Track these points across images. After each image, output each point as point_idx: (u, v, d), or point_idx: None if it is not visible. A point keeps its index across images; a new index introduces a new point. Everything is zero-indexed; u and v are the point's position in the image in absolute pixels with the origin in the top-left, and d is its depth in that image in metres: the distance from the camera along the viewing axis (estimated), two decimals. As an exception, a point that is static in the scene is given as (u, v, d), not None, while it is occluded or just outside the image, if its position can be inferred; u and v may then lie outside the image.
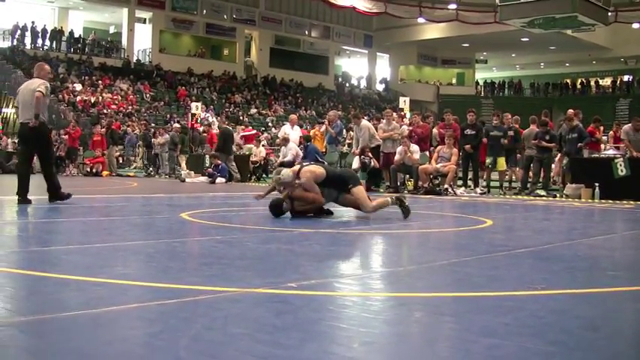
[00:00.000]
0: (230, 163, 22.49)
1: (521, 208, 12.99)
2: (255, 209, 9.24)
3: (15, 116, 37.49)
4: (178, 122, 33.07)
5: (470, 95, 61.13)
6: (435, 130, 18.88)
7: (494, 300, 4.06)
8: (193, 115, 30.53)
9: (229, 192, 16.60)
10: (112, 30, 53.08)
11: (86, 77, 41.40)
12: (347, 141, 21.77)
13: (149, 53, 50.09)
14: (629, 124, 17.14)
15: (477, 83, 66.16)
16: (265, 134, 36.46)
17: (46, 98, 10.83)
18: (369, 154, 17.50)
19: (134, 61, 48.48)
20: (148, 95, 43.23)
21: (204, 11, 52.17)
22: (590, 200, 14.96)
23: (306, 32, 58.57)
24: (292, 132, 21.07)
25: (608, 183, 15.15)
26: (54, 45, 45.41)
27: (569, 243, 7.41)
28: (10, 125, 37.38)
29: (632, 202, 14.34)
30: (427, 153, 18.05)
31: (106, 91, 40.64)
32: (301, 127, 25.92)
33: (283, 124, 28.12)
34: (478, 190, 17.28)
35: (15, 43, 43.86)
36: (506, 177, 18.28)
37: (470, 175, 18.01)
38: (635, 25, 43.09)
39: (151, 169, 27.79)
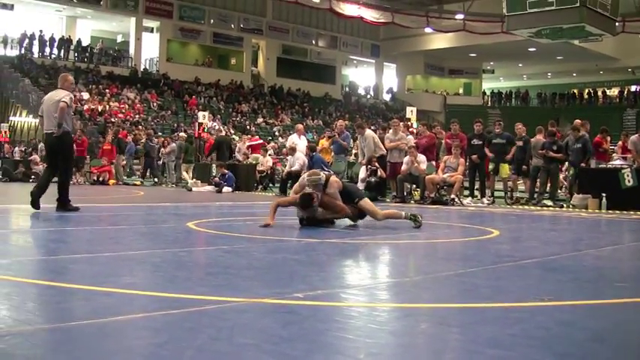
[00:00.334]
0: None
1: (528, 219, 12.97)
2: (263, 219, 9.22)
3: (33, 125, 37.77)
4: (185, 131, 33.09)
5: (477, 105, 61.08)
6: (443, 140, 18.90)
7: (501, 311, 4.06)
8: (200, 124, 30.56)
9: (236, 201, 16.61)
10: (119, 39, 53.26)
11: (93, 86, 41.51)
12: (354, 150, 21.74)
13: (156, 62, 50.25)
14: (637, 135, 17.13)
15: (484, 93, 66.14)
16: (272, 143, 36.49)
17: (69, 109, 11.06)
18: (376, 164, 17.50)
19: (141, 70, 48.61)
20: (155, 104, 43.31)
21: (212, 20, 52.31)
22: (597, 211, 14.93)
23: (314, 42, 58.67)
24: (300, 141, 21.05)
25: (615, 193, 15.12)
26: (62, 54, 45.57)
27: (576, 254, 7.39)
28: (18, 133, 37.49)
29: (639, 212, 14.31)
30: (433, 163, 18.03)
31: (113, 99, 40.75)
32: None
33: (290, 134, 28.14)
34: (485, 200, 17.26)
35: (23, 51, 44.01)
36: (510, 184, 18.23)
37: (477, 185, 17.99)
38: (643, 36, 43.04)
39: (155, 179, 27.86)
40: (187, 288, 4.52)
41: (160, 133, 36.58)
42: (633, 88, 60.21)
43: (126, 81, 44.78)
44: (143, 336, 3.30)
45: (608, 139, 19.20)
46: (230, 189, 21.41)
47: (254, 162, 24.41)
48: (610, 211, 14.69)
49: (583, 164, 16.56)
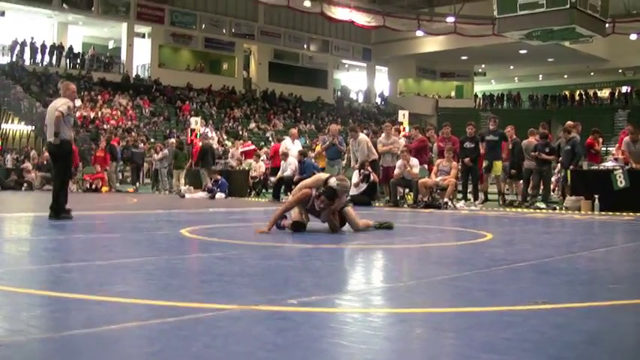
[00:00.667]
0: (209, 176, 22.94)
1: (521, 222, 12.99)
2: (256, 225, 9.22)
3: (25, 133, 37.79)
4: (178, 137, 33.07)
5: (469, 108, 61.17)
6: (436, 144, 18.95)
7: (495, 315, 4.06)
8: (193, 130, 30.53)
9: (229, 207, 16.60)
10: (111, 45, 53.21)
11: (85, 93, 41.41)
12: (346, 155, 21.75)
13: (148, 68, 50.22)
14: (628, 136, 17.18)
15: (476, 96, 66.25)
16: (265, 149, 36.47)
17: (69, 117, 11.13)
18: (369, 168, 17.49)
19: (133, 76, 48.57)
20: (147, 110, 43.26)
21: (203, 26, 52.31)
22: (589, 212, 14.96)
23: (305, 46, 58.72)
24: (293, 146, 21.01)
25: (607, 195, 15.16)
26: (53, 60, 45.50)
27: (570, 256, 7.40)
28: (10, 141, 37.41)
29: (632, 213, 14.35)
30: (426, 166, 18.05)
31: (105, 106, 40.68)
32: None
33: (283, 139, 28.08)
34: (478, 203, 17.29)
35: (14, 58, 43.94)
36: (505, 187, 18.27)
37: (469, 188, 18.02)
38: (633, 37, 43.15)
39: (137, 184, 27.92)
40: (181, 296, 4.51)
41: (152, 140, 36.52)
42: (624, 89, 60.41)
43: (118, 87, 44.73)
44: (137, 345, 3.29)
45: (600, 140, 19.24)
46: (223, 195, 21.40)
47: (247, 168, 24.41)
48: (603, 213, 14.72)
49: (572, 166, 16.63)
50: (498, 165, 17.66)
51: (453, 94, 65.76)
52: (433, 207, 16.14)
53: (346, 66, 64.87)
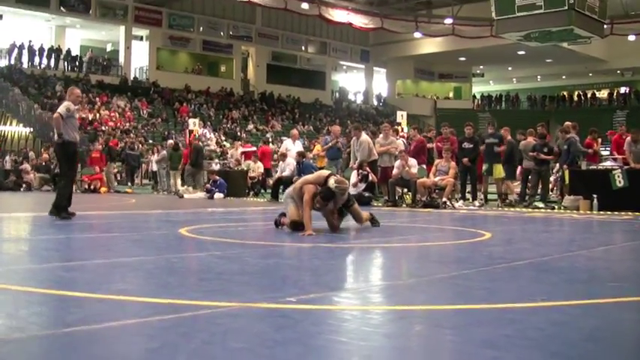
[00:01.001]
0: (198, 177, 23.27)
1: (520, 221, 12.99)
2: (254, 224, 9.22)
3: (23, 134, 37.81)
4: (175, 138, 33.03)
5: (467, 109, 61.11)
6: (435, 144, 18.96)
7: (495, 312, 4.06)
8: (191, 131, 30.50)
9: (228, 207, 16.59)
10: (109, 48, 53.17)
11: (84, 95, 41.31)
12: (344, 155, 21.70)
13: (146, 70, 50.14)
14: (629, 136, 17.22)
15: (474, 97, 66.25)
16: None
17: (71, 119, 11.46)
18: (367, 169, 17.47)
19: (131, 78, 48.49)
20: (145, 112, 43.22)
21: (201, 28, 52.25)
22: (588, 212, 14.96)
23: (303, 48, 58.67)
24: (294, 147, 20.97)
25: (606, 194, 15.15)
26: (51, 63, 45.44)
27: (569, 255, 7.40)
28: (9, 143, 37.41)
29: (630, 213, 14.35)
30: (424, 166, 18.05)
31: (103, 108, 40.63)
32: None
33: (282, 140, 28.06)
34: (476, 202, 17.29)
35: (12, 61, 43.90)
36: (505, 188, 18.27)
37: (468, 188, 18.01)
38: (631, 38, 43.19)
39: (129, 184, 27.96)
40: (180, 293, 4.51)
41: (150, 141, 36.50)
42: (622, 89, 60.42)
43: (116, 89, 44.66)
44: (137, 342, 3.29)
45: (599, 140, 19.26)
46: (222, 195, 21.40)
47: (246, 168, 24.40)
48: (601, 212, 14.72)
49: (565, 166, 16.67)
50: (499, 168, 17.63)
51: (451, 95, 65.71)
52: (431, 207, 16.13)
53: (344, 67, 64.82)
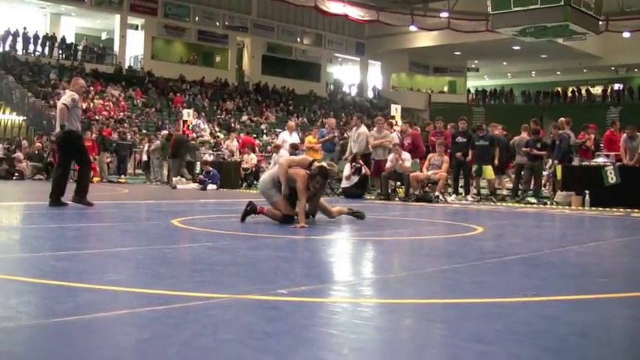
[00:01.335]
0: (182, 169, 23.02)
1: (512, 216, 13.01)
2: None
3: (16, 122, 37.71)
4: (169, 129, 32.99)
5: (461, 103, 61.19)
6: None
7: (485, 307, 4.07)
8: (185, 121, 30.46)
9: (220, 199, 16.59)
10: (104, 36, 53.02)
11: (78, 83, 41.23)
12: (337, 147, 21.65)
13: (141, 60, 50.04)
14: (624, 133, 17.29)
15: (469, 91, 66.24)
16: (257, 141, 36.44)
17: (76, 109, 11.62)
18: (360, 161, 17.50)
19: (126, 67, 48.40)
20: (139, 101, 43.15)
21: (197, 18, 52.13)
22: (580, 208, 15.01)
23: (298, 40, 58.60)
24: (290, 138, 20.88)
25: (598, 191, 15.20)
26: (46, 51, 45.31)
27: (560, 250, 7.43)
28: (2, 131, 37.31)
29: (621, 209, 14.39)
30: (418, 160, 18.06)
31: (97, 97, 40.54)
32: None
33: (276, 131, 27.99)
34: (469, 197, 17.32)
35: (6, 48, 43.77)
36: (496, 184, 18.30)
37: (461, 182, 18.04)
38: (626, 34, 43.23)
39: (122, 175, 27.91)
40: (172, 284, 4.51)
41: (144, 131, 36.46)
42: (616, 86, 60.53)
43: (110, 78, 44.53)
44: (128, 332, 3.29)
45: (592, 136, 19.27)
46: (215, 186, 21.41)
47: (239, 160, 24.39)
48: (593, 208, 14.76)
49: (556, 161, 16.73)
50: (488, 169, 17.55)
51: (445, 89, 65.73)
52: (424, 200, 16.15)
53: (339, 60, 64.76)
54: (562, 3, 24.90)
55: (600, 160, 16.83)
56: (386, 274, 5.59)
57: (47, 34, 46.30)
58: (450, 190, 17.96)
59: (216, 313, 3.69)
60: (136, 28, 50.87)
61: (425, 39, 55.47)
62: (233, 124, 42.34)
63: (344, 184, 17.60)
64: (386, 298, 4.44)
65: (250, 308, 3.85)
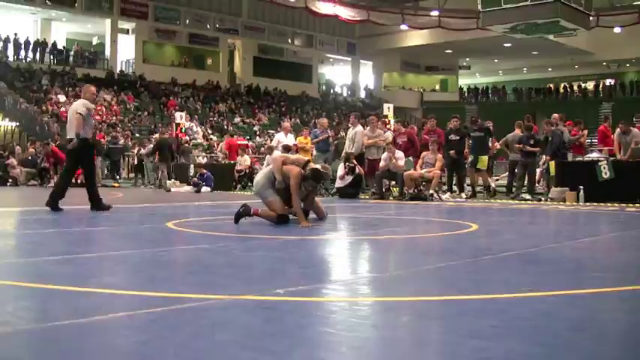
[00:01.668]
0: (164, 172, 23.18)
1: (507, 212, 13.03)
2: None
3: (9, 129, 37.61)
4: (162, 133, 32.89)
5: (454, 101, 61.27)
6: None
7: (481, 303, 4.08)
8: (177, 124, 30.44)
9: (215, 201, 16.58)
10: (95, 41, 52.92)
11: (70, 88, 41.15)
12: (331, 148, 21.62)
13: (132, 64, 49.96)
14: (618, 128, 17.34)
15: (461, 89, 66.33)
16: (250, 143, 36.41)
17: (89, 118, 11.86)
18: (354, 161, 17.50)
19: (117, 71, 48.31)
20: (131, 105, 43.08)
21: (187, 21, 52.09)
22: (574, 203, 15.02)
23: (290, 41, 58.57)
24: (286, 140, 20.70)
25: (592, 186, 15.21)
26: (37, 57, 45.22)
27: (555, 246, 7.45)
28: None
29: (616, 204, 14.42)
30: (411, 158, 18.07)
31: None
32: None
33: (269, 133, 27.89)
34: (463, 195, 17.33)
35: (-3, 55, 43.72)
36: (487, 180, 18.35)
37: (455, 180, 18.06)
38: (617, 30, 43.27)
39: (118, 177, 27.90)
40: (168, 287, 4.51)
41: (137, 135, 36.40)
42: (608, 81, 60.61)
43: (102, 83, 44.45)
44: (125, 335, 3.29)
45: (585, 132, 19.35)
46: (209, 189, 21.38)
47: (232, 162, 24.39)
48: (587, 204, 14.78)
49: (549, 157, 16.78)
50: (484, 159, 17.69)
51: (437, 87, 65.84)
52: (419, 199, 16.16)
53: (331, 60, 64.73)
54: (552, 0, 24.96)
55: (594, 155, 16.87)
56: (382, 272, 5.60)
57: (38, 39, 46.18)
58: (444, 188, 17.99)
59: (213, 314, 3.70)
60: (127, 32, 50.75)
61: (416, 38, 55.53)
62: (226, 126, 42.29)
63: (338, 183, 17.59)
64: (383, 296, 4.44)
65: (247, 309, 3.86)
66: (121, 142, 29.97)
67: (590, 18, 32.33)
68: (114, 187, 25.91)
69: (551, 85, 63.14)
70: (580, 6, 28.07)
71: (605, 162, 15.47)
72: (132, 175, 30.23)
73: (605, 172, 15.23)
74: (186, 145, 28.96)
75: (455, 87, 65.69)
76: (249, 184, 23.12)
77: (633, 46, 50.19)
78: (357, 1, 44.76)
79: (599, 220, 11.75)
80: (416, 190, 16.67)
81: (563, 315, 3.78)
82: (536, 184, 18.27)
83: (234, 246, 7.12)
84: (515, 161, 17.37)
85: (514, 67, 65.61)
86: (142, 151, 27.23)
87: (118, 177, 28.65)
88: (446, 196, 17.11)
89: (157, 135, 28.99)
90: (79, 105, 11.87)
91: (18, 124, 37.17)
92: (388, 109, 27.86)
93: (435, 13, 44.16)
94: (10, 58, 43.81)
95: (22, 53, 44.87)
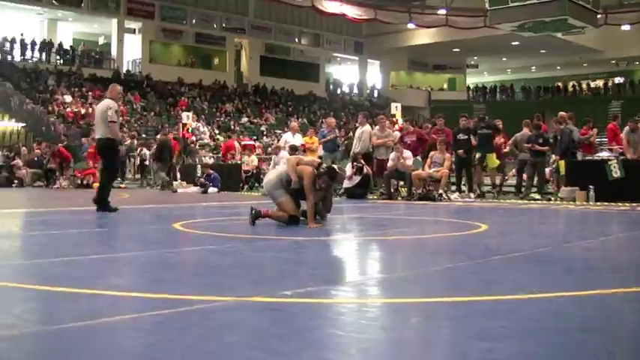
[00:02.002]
0: (162, 172, 23.42)
1: (516, 212, 13.01)
2: (249, 218, 9.18)
3: (15, 129, 37.75)
4: (163, 133, 32.86)
5: (462, 100, 61.16)
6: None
7: (491, 304, 4.07)
8: (184, 124, 30.45)
9: (222, 202, 16.59)
10: (101, 41, 53.00)
11: (76, 89, 41.27)
12: (340, 148, 21.59)
13: (139, 63, 50.01)
14: (627, 126, 17.31)
15: (469, 88, 66.24)
16: (257, 143, 36.40)
17: (118, 122, 12.27)
18: (362, 161, 17.48)
19: (124, 71, 48.36)
20: (138, 106, 43.12)
21: (194, 21, 52.16)
22: (584, 203, 14.99)
23: (296, 40, 58.62)
24: (293, 140, 20.62)
25: (602, 185, 15.17)
26: (43, 57, 45.31)
27: (565, 246, 7.43)
28: (0, 138, 37.31)
29: (626, 203, 14.38)
30: (419, 158, 18.04)
31: (96, 102, 40.36)
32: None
33: (276, 133, 27.77)
34: (472, 194, 17.29)
35: (3, 55, 43.76)
36: (498, 179, 18.32)
37: (463, 180, 18.03)
38: (625, 27, 43.18)
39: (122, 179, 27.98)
40: (175, 288, 4.51)
41: (144, 135, 36.43)
42: (617, 79, 60.50)
43: (108, 83, 44.29)
44: (133, 337, 3.29)
45: (595, 130, 19.29)
46: (216, 189, 21.37)
47: (239, 162, 24.38)
48: (598, 203, 14.75)
49: (557, 156, 16.74)
50: (492, 158, 17.66)
51: (445, 86, 65.84)
52: (427, 199, 16.14)
53: (338, 59, 64.73)
54: (560, -3, 24.93)
55: (604, 154, 16.83)
56: (391, 273, 5.59)
57: (44, 39, 46.28)
58: (452, 187, 17.96)
59: (221, 316, 3.69)
60: (134, 31, 50.82)
61: (423, 36, 55.50)
62: (233, 126, 42.31)
63: (346, 184, 17.55)
64: (391, 298, 4.44)
65: (255, 310, 3.85)
66: (128, 142, 29.99)
67: (598, 15, 32.23)
68: (120, 188, 25.92)
69: (560, 84, 63.09)
70: (588, 4, 28.00)
71: (615, 161, 15.44)
72: (138, 176, 30.27)
73: (615, 172, 15.19)
74: (192, 145, 28.94)
75: (463, 86, 65.64)
76: (257, 184, 23.14)
77: (642, 43, 50.12)
78: (364, 0, 44.76)
79: (610, 220, 11.72)
80: (424, 190, 16.65)
81: (573, 316, 3.77)
82: (546, 184, 18.22)
83: (241, 247, 7.12)
84: (524, 161, 17.32)
85: (522, 66, 65.53)
86: (146, 151, 27.24)
87: (122, 178, 28.66)
88: (454, 195, 17.07)
89: (161, 136, 28.96)
90: (106, 108, 11.99)
91: (24, 124, 37.25)
92: (396, 109, 27.82)
93: (442, 11, 44.12)
94: (17, 59, 43.93)
95: (29, 53, 44.98)
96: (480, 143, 17.50)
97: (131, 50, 49.76)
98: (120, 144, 11.90)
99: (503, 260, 5.99)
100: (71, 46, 48.24)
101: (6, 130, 38.48)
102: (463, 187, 17.87)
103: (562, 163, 16.60)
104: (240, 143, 27.66)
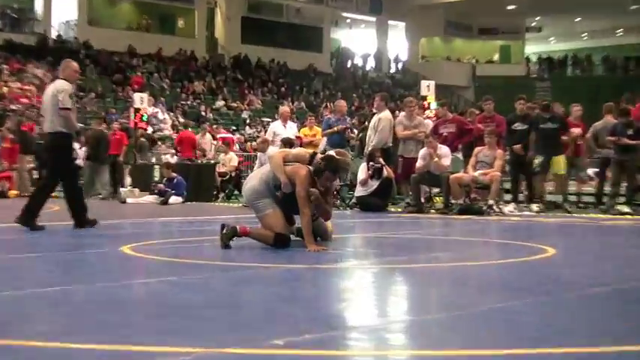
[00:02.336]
0: (102, 175, 23.66)
1: (596, 231, 13.03)
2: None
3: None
4: (96, 123, 32.75)
5: (518, 76, 61.25)
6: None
7: (559, 359, 4.06)
8: (137, 110, 30.04)
9: (188, 216, 16.60)
10: (21, -4, 53.19)
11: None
12: (355, 142, 21.48)
13: (74, 26, 50.00)
14: None
15: (528, 60, 66.31)
16: (237, 135, 36.42)
17: (74, 108, 12.37)
18: (381, 160, 17.28)
19: (53, 37, 48.37)
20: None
21: (150, -31, 52.38)
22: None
23: (291, -5, 58.79)
24: (284, 130, 20.37)
25: None
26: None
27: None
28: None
29: None
30: (460, 156, 17.97)
31: (13, 78, 40.52)
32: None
33: (263, 122, 27.59)
34: (534, 206, 17.22)
35: None
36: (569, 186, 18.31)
37: (522, 186, 17.98)
38: None
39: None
40: (125, 336, 4.50)
41: (81, 125, 36.38)
42: None
43: (31, 53, 44.48)
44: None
45: None
46: (180, 199, 21.29)
47: (214, 162, 24.39)
48: None
49: None
50: (560, 161, 17.36)
51: (496, 57, 65.94)
52: (471, 212, 16.12)
53: (348, 21, 64.87)
54: None
55: None
56: (420, 315, 5.59)
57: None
58: (506, 196, 17.91)
59: (186, 374, 3.69)
60: (66, -17, 50.98)
61: (466, -11, 55.75)
62: (204, 113, 42.32)
63: (359, 191, 17.54)
64: (421, 349, 4.43)
65: (233, 367, 3.85)
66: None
67: None
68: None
69: (657, 53, 63.09)
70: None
71: None
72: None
73: None
74: (142, 138, 28.86)
75: (520, 57, 65.74)
76: (236, 191, 23.04)
77: None
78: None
79: None
80: (467, 200, 16.65)
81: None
82: (638, 192, 18.19)
83: (215, 278, 7.13)
84: (607, 159, 17.26)
85: (604, 28, 65.50)
86: (77, 149, 27.28)
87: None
88: (509, 208, 17.01)
89: (115, 124, 28.77)
90: (57, 91, 12.00)
91: None
92: (428, 88, 27.80)
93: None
94: None
95: None
96: (544, 142, 17.23)
97: (63, 9, 49.75)
98: (78, 135, 11.88)
99: (580, 297, 5.99)
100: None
101: None
102: (521, 197, 17.84)
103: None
104: (214, 136, 27.68)
